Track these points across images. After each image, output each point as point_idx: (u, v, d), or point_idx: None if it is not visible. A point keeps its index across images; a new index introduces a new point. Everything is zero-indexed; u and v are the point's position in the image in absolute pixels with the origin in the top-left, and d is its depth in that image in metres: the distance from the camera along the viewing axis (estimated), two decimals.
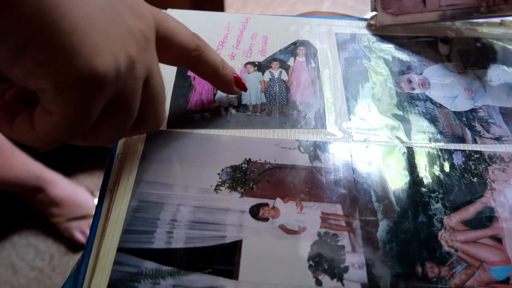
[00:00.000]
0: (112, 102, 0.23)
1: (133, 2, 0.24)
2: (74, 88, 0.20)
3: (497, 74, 0.39)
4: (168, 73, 0.37)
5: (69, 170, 1.02)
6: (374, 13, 0.42)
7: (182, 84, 0.37)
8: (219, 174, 0.32)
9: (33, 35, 0.18)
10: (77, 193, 0.95)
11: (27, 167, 0.88)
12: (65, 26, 0.19)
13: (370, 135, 0.35)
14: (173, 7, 0.42)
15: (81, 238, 0.94)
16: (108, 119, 0.24)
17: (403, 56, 0.40)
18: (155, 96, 0.26)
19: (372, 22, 0.42)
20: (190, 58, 0.30)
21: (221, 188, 0.31)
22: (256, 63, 0.39)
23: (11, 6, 0.18)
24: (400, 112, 0.36)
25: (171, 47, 0.28)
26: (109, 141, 0.26)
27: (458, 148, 0.35)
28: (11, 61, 0.19)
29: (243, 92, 0.36)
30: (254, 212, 0.30)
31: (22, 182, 0.88)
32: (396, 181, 0.32)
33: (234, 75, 0.34)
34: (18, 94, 0.26)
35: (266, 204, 0.31)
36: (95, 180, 1.04)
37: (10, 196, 0.94)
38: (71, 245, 0.95)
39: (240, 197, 0.31)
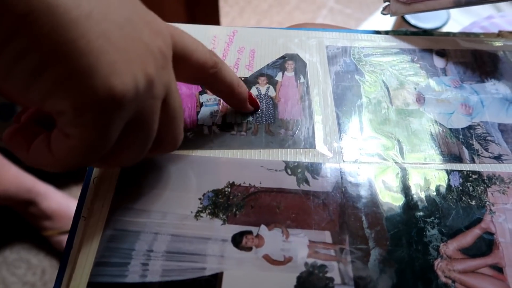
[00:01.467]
0: (131, 123, 0.22)
1: (151, 18, 0.23)
2: (93, 110, 0.20)
3: (495, 88, 0.38)
4: None
5: (61, 182, 1.00)
6: (387, 3, 0.41)
7: None
8: (200, 199, 0.30)
9: (50, 55, 0.18)
10: (70, 205, 0.93)
11: (18, 179, 0.87)
12: (82, 45, 0.18)
13: (362, 155, 0.33)
14: (167, 16, 0.40)
15: None
16: (127, 140, 0.23)
17: (397, 70, 0.38)
18: (173, 116, 0.25)
19: (385, 12, 0.41)
20: (207, 75, 0.29)
21: (202, 214, 0.29)
22: (242, 78, 0.37)
23: (27, 25, 0.17)
24: (393, 130, 0.34)
25: (187, 65, 0.27)
26: (129, 163, 0.25)
27: (455, 169, 0.33)
28: (28, 83, 0.19)
29: (228, 110, 0.35)
30: (237, 240, 0.29)
31: (13, 195, 0.86)
32: (389, 205, 0.31)
33: (249, 93, 0.33)
34: (34, 115, 0.26)
35: (250, 232, 0.29)
36: None
37: (1, 210, 0.93)
38: None
39: (222, 224, 0.29)
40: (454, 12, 0.74)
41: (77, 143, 0.21)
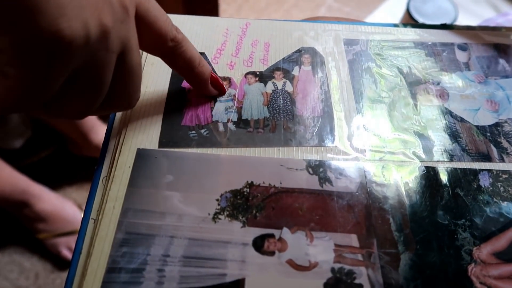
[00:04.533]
0: (80, 73, 0.21)
1: None
2: (35, 51, 0.18)
3: None
4: (160, 84, 0.33)
5: (56, 183, 0.97)
6: None
7: (175, 97, 0.33)
8: (217, 200, 0.28)
9: None
10: (65, 207, 0.90)
11: (12, 180, 0.84)
12: None
13: (385, 153, 0.31)
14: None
15: (68, 255, 0.89)
16: (75, 91, 0.22)
17: (418, 63, 0.37)
18: (129, 73, 0.25)
19: None
20: (166, 47, 0.28)
21: (220, 216, 0.27)
22: (258, 73, 0.35)
23: None
24: (417, 127, 0.33)
25: (148, 31, 0.26)
26: (75, 116, 0.24)
27: (484, 168, 0.31)
28: None
29: (244, 106, 0.33)
30: (258, 244, 0.27)
31: (7, 197, 0.83)
32: (417, 206, 0.29)
33: (212, 74, 0.32)
34: None
35: (272, 235, 0.27)
36: (83, 193, 0.99)
37: None
38: (58, 262, 0.90)
39: (242, 227, 0.27)
40: (460, 13, 0.72)
41: (14, 84, 0.19)
